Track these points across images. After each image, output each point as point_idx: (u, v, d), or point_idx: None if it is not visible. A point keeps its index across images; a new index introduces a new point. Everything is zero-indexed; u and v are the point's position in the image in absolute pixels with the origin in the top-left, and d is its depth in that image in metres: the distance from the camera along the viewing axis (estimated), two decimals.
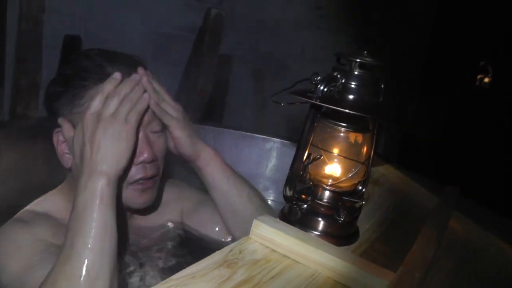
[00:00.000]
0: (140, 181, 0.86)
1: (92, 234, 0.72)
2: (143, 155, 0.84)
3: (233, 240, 0.98)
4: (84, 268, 0.70)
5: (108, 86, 0.81)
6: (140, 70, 0.86)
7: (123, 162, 0.78)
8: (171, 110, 0.89)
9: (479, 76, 1.93)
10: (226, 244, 0.97)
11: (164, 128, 0.91)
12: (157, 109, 0.86)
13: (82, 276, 0.70)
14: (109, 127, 0.78)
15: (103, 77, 0.84)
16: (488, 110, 1.80)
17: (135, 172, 0.85)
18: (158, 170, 0.89)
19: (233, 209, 0.95)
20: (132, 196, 0.86)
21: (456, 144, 1.84)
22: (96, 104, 0.80)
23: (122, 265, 0.89)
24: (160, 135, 0.90)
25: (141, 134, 0.85)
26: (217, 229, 1.01)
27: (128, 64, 0.87)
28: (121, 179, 0.82)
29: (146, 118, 0.85)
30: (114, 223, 0.75)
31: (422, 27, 2.16)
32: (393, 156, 1.19)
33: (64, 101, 0.86)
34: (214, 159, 0.94)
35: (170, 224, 1.02)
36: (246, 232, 0.89)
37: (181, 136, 0.90)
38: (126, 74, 0.84)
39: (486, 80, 1.92)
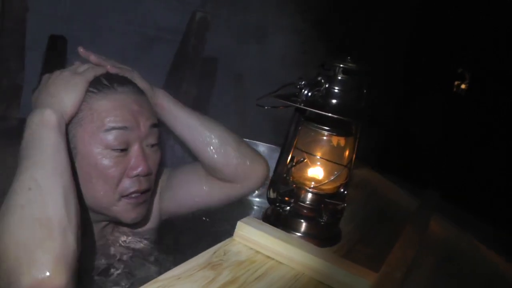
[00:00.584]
0: (133, 195, 0.86)
1: (41, 154, 0.71)
2: (139, 168, 0.84)
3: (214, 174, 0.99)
4: (33, 181, 0.68)
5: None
6: (81, 49, 0.89)
7: (68, 102, 0.79)
8: (125, 68, 0.92)
9: (456, 82, 1.98)
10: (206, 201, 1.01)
11: (160, 142, 0.91)
12: (116, 69, 0.89)
13: (32, 187, 0.67)
14: (62, 75, 0.81)
15: (101, 84, 0.85)
16: (465, 115, 1.85)
17: (130, 185, 0.84)
18: (151, 184, 0.89)
19: (201, 136, 0.97)
20: (125, 210, 0.86)
21: (434, 148, 1.88)
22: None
23: (98, 266, 0.88)
24: (156, 149, 0.90)
25: (137, 147, 0.85)
26: (193, 181, 1.02)
27: (124, 80, 0.89)
28: (110, 193, 0.83)
29: (143, 131, 0.86)
30: (65, 149, 0.74)
31: (401, 34, 2.19)
32: (371, 160, 1.21)
33: None
34: (168, 96, 0.98)
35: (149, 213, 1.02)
36: (219, 159, 0.96)
37: (145, 85, 0.92)
38: (116, 82, 0.86)
39: (463, 86, 1.97)
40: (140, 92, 0.90)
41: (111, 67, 0.88)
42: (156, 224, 1.02)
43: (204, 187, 1.01)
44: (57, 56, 1.39)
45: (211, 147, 0.97)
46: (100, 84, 0.85)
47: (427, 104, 1.94)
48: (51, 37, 1.40)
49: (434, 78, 2.01)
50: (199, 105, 1.60)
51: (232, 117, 1.98)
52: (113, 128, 0.82)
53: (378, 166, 1.23)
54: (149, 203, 0.92)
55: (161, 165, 0.95)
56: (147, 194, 0.89)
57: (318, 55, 2.17)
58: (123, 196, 0.85)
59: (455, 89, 1.98)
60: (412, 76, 2.15)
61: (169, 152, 1.11)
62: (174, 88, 1.45)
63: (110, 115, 0.82)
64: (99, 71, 0.85)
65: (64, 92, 0.79)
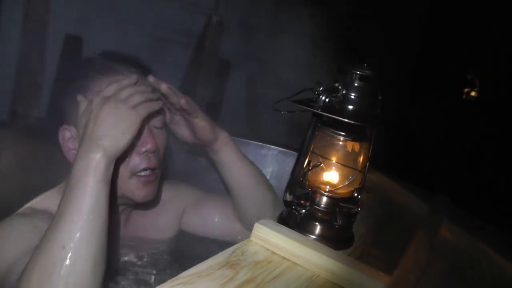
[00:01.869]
0: (143, 172, 0.88)
1: (80, 213, 0.70)
2: (147, 145, 0.87)
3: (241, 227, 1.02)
4: (68, 240, 0.67)
5: (126, 81, 0.83)
6: (151, 78, 0.91)
7: (122, 143, 0.76)
8: (194, 105, 0.95)
9: (466, 89, 1.99)
10: (228, 237, 1.03)
11: (164, 125, 0.95)
12: (187, 106, 0.92)
13: (65, 246, 0.67)
14: (116, 107, 0.77)
15: (107, 70, 0.88)
16: (474, 122, 1.86)
17: (140, 161, 0.87)
18: (159, 162, 0.92)
19: (245, 188, 1.01)
20: (136, 188, 0.89)
21: (444, 153, 1.89)
22: (109, 89, 0.81)
23: (116, 259, 0.90)
24: (162, 131, 0.94)
25: (143, 127, 0.88)
26: (221, 219, 1.05)
27: (129, 62, 0.92)
28: (122, 171, 0.86)
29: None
30: (106, 200, 0.73)
31: (411, 39, 2.21)
32: (380, 164, 1.23)
33: (71, 94, 0.87)
34: (230, 141, 1.02)
35: (167, 223, 1.04)
36: (255, 214, 0.96)
37: (205, 125, 0.96)
38: (127, 72, 0.88)
39: (473, 93, 1.98)
40: (145, 76, 0.92)
41: (184, 102, 0.91)
42: (173, 232, 1.06)
43: (231, 225, 1.05)
44: (72, 55, 1.41)
45: (251, 201, 1.01)
46: (106, 69, 0.88)
47: (436, 109, 1.95)
48: (67, 37, 1.43)
49: (442, 83, 2.02)
50: (212, 106, 1.62)
51: (244, 120, 2.00)
52: None
53: (387, 170, 1.24)
54: (158, 182, 0.95)
55: (168, 147, 0.98)
56: (156, 173, 0.92)
57: (327, 59, 2.19)
58: (134, 174, 0.88)
59: (464, 96, 2.00)
60: (421, 80, 2.16)
61: (194, 161, 1.13)
62: (189, 90, 1.47)
63: None
64: (154, 108, 0.85)
65: (120, 133, 0.76)
